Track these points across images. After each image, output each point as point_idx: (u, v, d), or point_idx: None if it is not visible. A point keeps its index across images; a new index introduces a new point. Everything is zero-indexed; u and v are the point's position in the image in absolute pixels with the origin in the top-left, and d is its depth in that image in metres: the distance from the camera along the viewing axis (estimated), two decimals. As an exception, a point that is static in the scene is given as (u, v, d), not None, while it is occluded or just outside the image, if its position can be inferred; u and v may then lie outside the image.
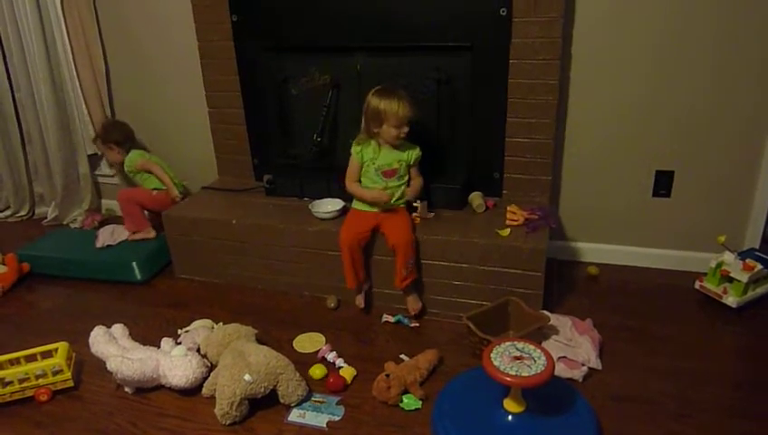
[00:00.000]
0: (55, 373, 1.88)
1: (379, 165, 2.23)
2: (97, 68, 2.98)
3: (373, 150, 2.23)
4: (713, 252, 2.31)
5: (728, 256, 2.21)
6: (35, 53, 2.93)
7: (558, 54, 2.20)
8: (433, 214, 2.34)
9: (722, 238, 2.21)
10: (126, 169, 2.90)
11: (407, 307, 2.24)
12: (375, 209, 2.25)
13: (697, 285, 2.30)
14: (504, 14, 2.18)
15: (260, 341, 2.00)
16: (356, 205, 2.32)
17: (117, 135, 2.89)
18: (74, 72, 3.00)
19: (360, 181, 2.29)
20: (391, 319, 2.22)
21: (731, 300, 2.17)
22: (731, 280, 2.19)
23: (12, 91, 3.14)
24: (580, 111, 2.40)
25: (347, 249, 2.17)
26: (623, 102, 2.34)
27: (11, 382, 1.84)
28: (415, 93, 2.37)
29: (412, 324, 2.19)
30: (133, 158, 2.86)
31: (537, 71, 2.23)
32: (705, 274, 2.29)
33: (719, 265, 2.22)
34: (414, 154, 2.25)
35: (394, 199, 2.25)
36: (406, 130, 2.16)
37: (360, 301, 2.29)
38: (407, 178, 2.29)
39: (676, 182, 2.40)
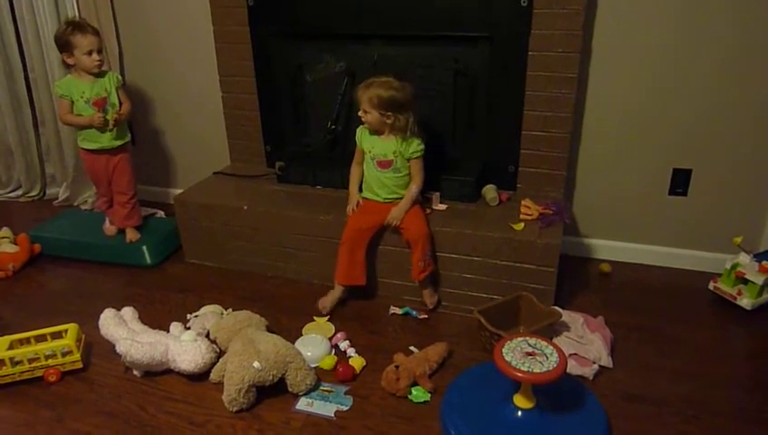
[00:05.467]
0: (65, 354, 1.89)
1: (373, 154, 2.17)
2: (110, 49, 2.96)
3: (371, 138, 2.18)
4: (728, 253, 2.29)
5: (744, 258, 2.19)
6: (49, 34, 2.91)
7: (578, 48, 2.16)
8: (446, 206, 2.32)
9: (738, 239, 2.18)
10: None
11: (423, 300, 2.21)
12: (380, 198, 2.20)
13: (711, 285, 2.27)
14: (525, 4, 2.14)
15: (269, 329, 2.00)
16: (364, 193, 2.27)
17: None
18: (88, 54, 2.99)
19: (362, 168, 2.25)
20: (399, 311, 2.21)
21: (745, 302, 2.15)
22: (746, 282, 2.16)
23: (25, 72, 3.13)
24: (597, 105, 2.37)
25: (347, 241, 2.15)
26: (641, 98, 2.31)
27: (20, 362, 1.85)
28: (431, 84, 2.36)
29: (420, 316, 2.18)
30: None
31: (556, 63, 2.20)
32: (720, 275, 2.26)
33: (734, 266, 2.19)
34: (411, 146, 2.12)
35: (388, 195, 2.19)
36: (365, 115, 2.09)
37: (328, 303, 2.19)
38: (406, 173, 2.19)
39: (694, 181, 2.37)
